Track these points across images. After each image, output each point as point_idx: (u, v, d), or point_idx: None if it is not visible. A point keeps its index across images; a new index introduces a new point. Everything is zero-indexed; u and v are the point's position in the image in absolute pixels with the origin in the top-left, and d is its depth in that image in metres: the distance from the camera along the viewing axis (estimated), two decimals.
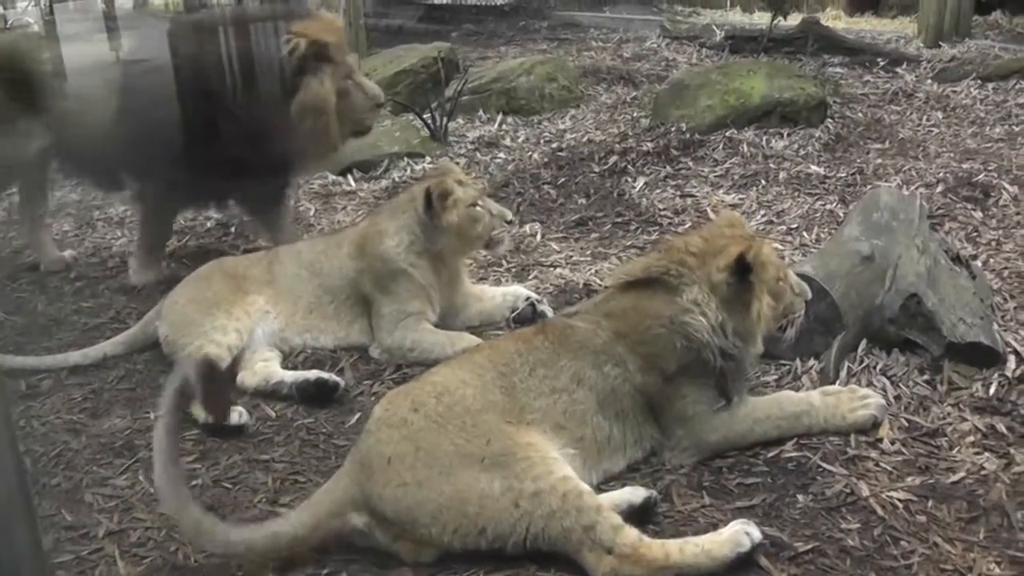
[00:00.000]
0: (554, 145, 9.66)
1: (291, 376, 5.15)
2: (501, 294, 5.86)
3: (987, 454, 4.14)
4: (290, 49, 6.16)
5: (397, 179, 8.87)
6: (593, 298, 4.73)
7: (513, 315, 5.71)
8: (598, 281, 6.10)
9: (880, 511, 3.81)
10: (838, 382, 4.69)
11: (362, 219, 5.82)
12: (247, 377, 5.22)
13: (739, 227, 4.38)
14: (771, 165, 8.36)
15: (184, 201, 7.10)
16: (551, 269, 6.55)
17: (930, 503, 3.85)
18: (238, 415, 4.78)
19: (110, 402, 5.19)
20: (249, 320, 5.38)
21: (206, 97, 6.31)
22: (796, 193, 7.62)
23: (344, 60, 6.42)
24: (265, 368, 5.25)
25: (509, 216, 5.65)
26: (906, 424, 4.38)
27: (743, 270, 4.08)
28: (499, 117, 10.82)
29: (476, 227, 5.50)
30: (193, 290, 5.53)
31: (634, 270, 4.39)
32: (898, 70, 11.79)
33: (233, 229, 7.82)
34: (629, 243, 6.96)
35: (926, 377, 4.69)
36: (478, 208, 5.49)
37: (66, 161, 6.97)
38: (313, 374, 5.13)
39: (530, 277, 6.46)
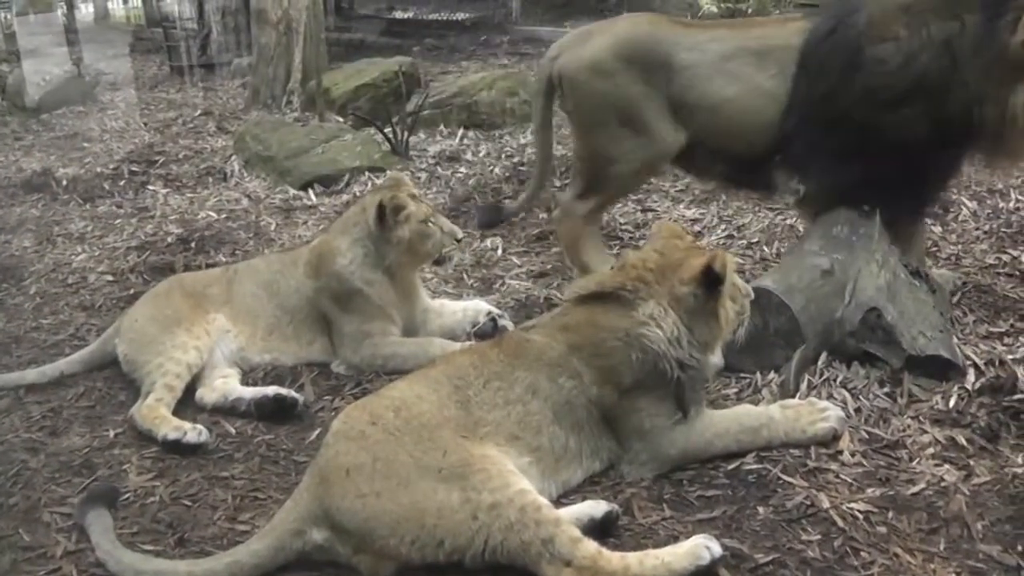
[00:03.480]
0: (515, 159, 9.65)
1: (250, 392, 5.11)
2: (462, 309, 5.83)
3: (947, 466, 4.15)
4: None
5: (358, 193, 8.83)
6: (551, 312, 4.73)
7: (474, 330, 5.68)
8: (559, 295, 6.08)
9: (840, 522, 3.82)
10: (798, 395, 4.69)
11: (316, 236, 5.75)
12: (206, 394, 5.18)
13: (685, 237, 4.39)
14: None
15: (850, 200, 5.59)
16: (512, 283, 6.55)
17: (890, 514, 3.86)
18: (197, 433, 4.75)
19: (69, 420, 5.14)
20: (209, 339, 5.33)
21: (902, 81, 5.23)
22: (756, 208, 7.64)
23: None
24: (224, 385, 5.20)
25: (459, 234, 5.63)
26: (866, 436, 4.39)
27: (712, 281, 4.09)
28: (460, 131, 10.84)
29: (427, 243, 5.49)
30: (152, 307, 5.49)
31: (589, 285, 4.39)
32: None
33: (193, 244, 7.78)
34: None
35: (886, 390, 4.70)
36: (430, 225, 5.47)
37: (721, 160, 5.95)
38: (272, 390, 5.08)
39: (491, 291, 6.45)
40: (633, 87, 5.77)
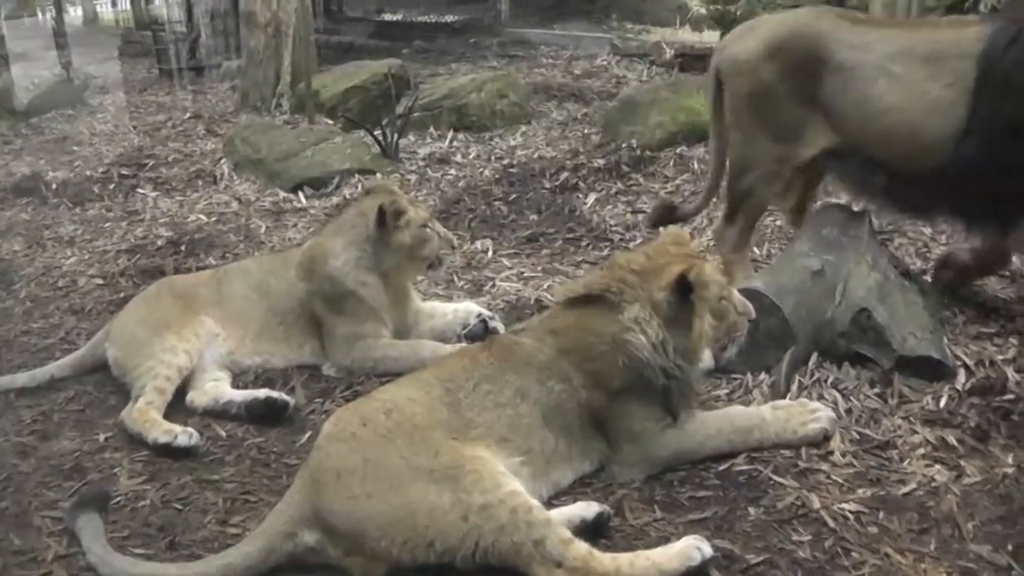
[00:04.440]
0: (505, 161, 9.67)
1: (240, 395, 5.10)
2: (452, 311, 5.82)
3: (938, 466, 4.15)
4: None
5: (348, 196, 8.84)
6: (540, 315, 4.72)
7: (465, 332, 5.67)
8: (549, 297, 6.08)
9: (831, 523, 3.82)
10: (789, 396, 4.70)
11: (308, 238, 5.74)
12: (196, 397, 5.17)
13: (684, 244, 4.36)
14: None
15: None
16: (503, 285, 6.54)
17: (881, 514, 3.86)
18: (188, 436, 4.74)
19: (60, 424, 5.13)
20: (199, 341, 5.32)
21: None
22: None
23: None
24: (215, 388, 5.20)
25: (455, 241, 5.66)
26: (857, 437, 4.39)
27: (684, 290, 4.07)
28: (450, 134, 10.87)
29: (425, 248, 5.50)
30: (142, 311, 5.48)
31: (577, 287, 4.38)
32: None
33: (183, 247, 7.77)
34: (580, 259, 6.96)
35: (877, 390, 4.70)
36: (428, 229, 5.48)
37: (879, 173, 5.34)
38: (263, 393, 5.07)
39: (482, 293, 6.45)
40: (777, 84, 5.39)
